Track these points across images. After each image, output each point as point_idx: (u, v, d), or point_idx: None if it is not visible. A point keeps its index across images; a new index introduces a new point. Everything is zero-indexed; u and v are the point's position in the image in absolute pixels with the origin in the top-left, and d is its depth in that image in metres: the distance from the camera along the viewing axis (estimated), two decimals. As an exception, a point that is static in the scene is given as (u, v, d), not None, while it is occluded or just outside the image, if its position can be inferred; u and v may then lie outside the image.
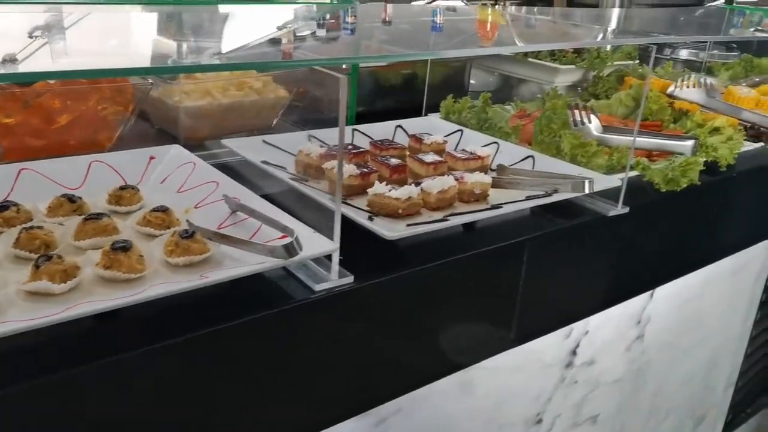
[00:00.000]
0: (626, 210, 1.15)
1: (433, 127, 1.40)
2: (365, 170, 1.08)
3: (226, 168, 1.09)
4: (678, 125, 1.52)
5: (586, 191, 1.05)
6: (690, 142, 1.26)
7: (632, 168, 1.23)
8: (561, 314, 1.21)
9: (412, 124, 1.40)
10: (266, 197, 0.96)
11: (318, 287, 0.81)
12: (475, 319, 1.03)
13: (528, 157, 1.24)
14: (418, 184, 1.05)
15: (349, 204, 1.00)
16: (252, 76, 1.36)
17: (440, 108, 1.47)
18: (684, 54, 2.54)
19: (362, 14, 1.47)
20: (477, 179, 1.08)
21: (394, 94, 1.70)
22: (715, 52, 2.53)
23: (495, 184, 1.11)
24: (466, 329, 1.03)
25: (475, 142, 1.32)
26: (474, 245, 0.99)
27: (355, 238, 0.89)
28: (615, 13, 2.41)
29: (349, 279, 0.83)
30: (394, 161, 1.14)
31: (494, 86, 1.95)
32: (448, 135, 1.35)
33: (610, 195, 1.15)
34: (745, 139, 1.46)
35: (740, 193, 1.48)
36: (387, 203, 0.99)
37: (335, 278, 0.82)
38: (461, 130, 1.38)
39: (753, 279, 1.88)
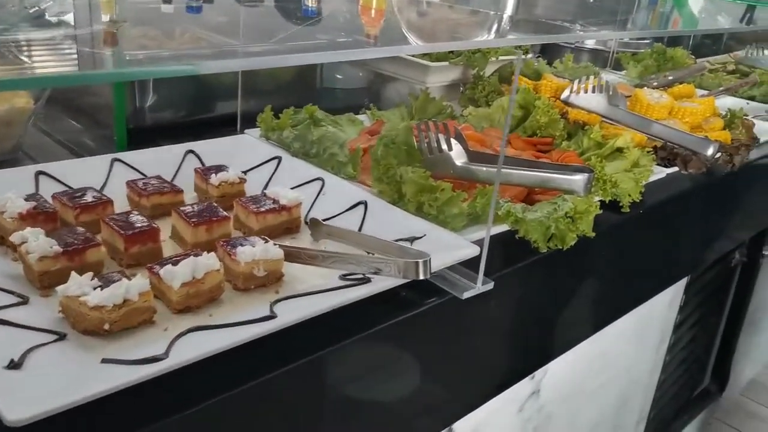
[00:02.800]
0: (489, 286, 0.79)
1: (242, 151, 1.01)
2: (76, 245, 0.68)
3: None
4: (572, 143, 1.17)
5: (420, 276, 0.67)
6: (581, 177, 0.91)
7: (501, 218, 0.87)
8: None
9: (212, 149, 1.00)
10: None
11: None
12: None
13: (359, 204, 0.87)
14: (155, 268, 0.66)
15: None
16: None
17: (257, 122, 1.07)
18: (589, 43, 2.23)
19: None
20: (259, 255, 0.70)
21: (214, 100, 1.28)
22: (624, 40, 2.24)
23: (291, 257, 0.73)
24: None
25: (295, 176, 0.94)
26: (236, 377, 0.60)
27: None
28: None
29: None
30: (140, 222, 0.74)
31: (359, 85, 1.56)
32: (253, 168, 0.96)
33: (471, 260, 0.79)
34: (656, 163, 1.13)
35: (648, 236, 1.14)
36: (83, 314, 0.59)
37: None
38: (279, 158, 0.99)
39: (666, 305, 1.65)
